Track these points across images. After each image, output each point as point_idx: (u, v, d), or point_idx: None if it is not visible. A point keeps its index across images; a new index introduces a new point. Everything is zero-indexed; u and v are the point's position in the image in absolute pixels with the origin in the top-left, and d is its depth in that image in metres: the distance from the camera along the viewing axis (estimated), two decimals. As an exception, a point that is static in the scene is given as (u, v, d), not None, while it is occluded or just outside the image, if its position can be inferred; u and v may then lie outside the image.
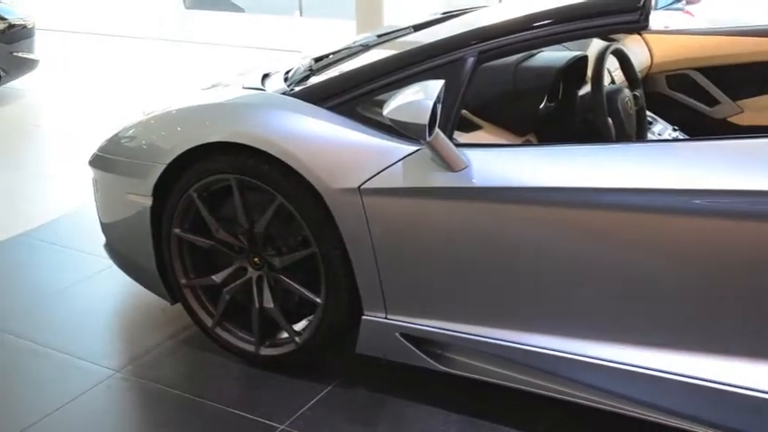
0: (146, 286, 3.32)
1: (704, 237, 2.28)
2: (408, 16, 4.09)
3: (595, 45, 3.48)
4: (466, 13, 3.68)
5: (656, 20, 4.58)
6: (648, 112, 3.48)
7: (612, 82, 3.18)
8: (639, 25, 2.50)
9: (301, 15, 12.36)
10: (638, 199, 2.31)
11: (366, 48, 3.36)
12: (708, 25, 4.84)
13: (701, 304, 2.35)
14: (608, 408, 2.51)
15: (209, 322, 3.11)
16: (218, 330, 3.10)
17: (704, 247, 2.29)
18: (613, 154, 2.48)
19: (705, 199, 2.24)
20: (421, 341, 2.74)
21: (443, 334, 2.69)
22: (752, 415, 2.31)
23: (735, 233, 2.24)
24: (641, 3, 2.46)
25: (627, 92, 3.06)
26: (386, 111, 2.39)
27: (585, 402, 2.54)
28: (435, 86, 2.36)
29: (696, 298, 2.35)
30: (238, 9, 13.58)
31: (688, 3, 9.40)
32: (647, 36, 4.15)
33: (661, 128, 3.49)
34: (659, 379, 2.39)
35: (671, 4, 6.18)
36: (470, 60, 2.60)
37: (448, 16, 3.86)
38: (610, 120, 2.87)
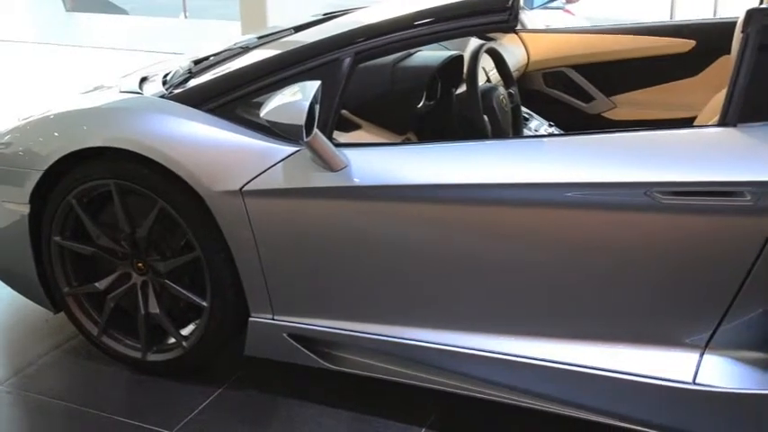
0: (27, 296, 3.24)
1: (577, 228, 2.37)
2: (292, 17, 4.10)
3: (472, 44, 3.57)
4: (347, 14, 3.71)
5: (537, 19, 4.72)
6: (525, 109, 3.58)
7: (488, 80, 3.26)
8: (508, 24, 2.57)
9: (186, 17, 12.21)
10: (514, 193, 2.38)
11: (246, 49, 3.37)
12: (586, 24, 5.01)
13: (577, 293, 2.44)
14: (492, 397, 2.58)
15: (94, 331, 3.06)
16: (104, 338, 3.06)
17: (578, 238, 2.38)
18: (489, 150, 2.56)
19: (578, 191, 2.32)
20: (309, 340, 2.77)
21: (330, 332, 2.72)
22: (622, 396, 2.42)
23: (608, 224, 2.34)
24: (510, 3, 2.53)
25: (502, 90, 3.15)
26: (263, 112, 2.40)
27: (470, 393, 2.60)
28: (312, 87, 2.39)
29: (571, 287, 2.44)
30: (122, 11, 13.33)
31: (568, 2, 9.69)
32: (523, 35, 4.27)
33: (537, 124, 3.60)
34: (537, 367, 2.47)
35: (547, 2, 6.36)
36: (347, 61, 2.63)
37: (329, 17, 3.89)
38: (485, 117, 2.95)
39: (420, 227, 2.51)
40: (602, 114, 4.14)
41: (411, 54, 3.15)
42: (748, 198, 2.13)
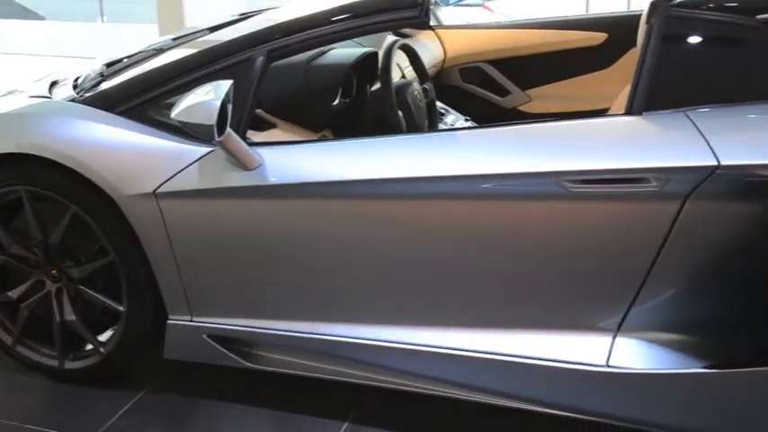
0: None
1: (493, 219, 2.40)
2: (210, 19, 4.07)
3: (388, 41, 3.58)
4: (261, 13, 3.70)
5: (455, 15, 4.77)
6: (441, 104, 3.62)
7: (403, 77, 3.28)
8: (420, 20, 2.59)
9: (104, 21, 12.01)
10: (430, 187, 2.40)
11: (160, 51, 3.33)
12: (504, 20, 5.08)
13: (493, 283, 2.48)
14: (413, 389, 2.60)
15: (8, 341, 2.99)
16: (20, 348, 2.99)
17: (493, 228, 2.42)
18: (404, 145, 2.58)
19: (492, 183, 2.35)
20: (229, 341, 2.75)
21: (250, 332, 2.71)
22: (538, 381, 2.46)
23: (521, 213, 2.37)
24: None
25: (416, 85, 3.17)
26: (174, 113, 2.38)
27: (391, 386, 2.62)
28: (224, 87, 2.37)
29: (488, 277, 2.47)
30: (38, 17, 13.05)
31: (487, -1, 9.79)
32: (439, 31, 4.31)
33: (453, 118, 3.63)
34: (456, 357, 2.50)
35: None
36: (260, 60, 2.62)
37: (244, 17, 3.87)
38: (400, 113, 2.97)
39: (336, 223, 2.52)
40: (518, 108, 4.20)
41: (325, 52, 3.15)
42: (654, 184, 2.18)
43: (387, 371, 2.60)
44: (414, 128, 3.06)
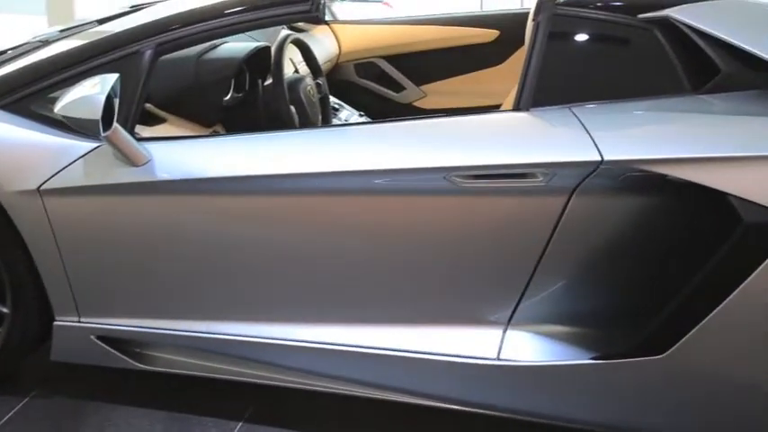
0: None
1: (385, 214, 2.41)
2: (100, 10, 3.96)
3: (280, 36, 3.56)
4: (152, 5, 3.62)
5: (352, 11, 4.77)
6: (335, 100, 3.61)
7: (297, 71, 3.27)
8: (312, 15, 2.57)
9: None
10: (321, 182, 2.39)
11: (45, 43, 3.23)
12: (403, 15, 5.10)
13: (386, 278, 2.48)
14: (306, 386, 2.60)
15: None
16: None
17: (386, 223, 2.42)
18: (295, 140, 2.55)
19: (384, 178, 2.35)
20: (119, 342, 2.69)
21: (141, 332, 2.65)
22: (431, 376, 2.48)
23: (413, 209, 2.39)
24: None
25: (309, 80, 3.16)
26: (57, 107, 2.31)
27: (285, 384, 2.61)
28: (110, 80, 2.31)
29: (380, 273, 2.48)
30: None
31: (385, -7, 9.81)
32: (334, 26, 4.31)
33: (348, 114, 3.64)
34: (349, 353, 2.50)
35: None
36: (148, 53, 2.57)
37: (135, 9, 3.78)
38: (293, 108, 2.95)
39: (227, 220, 2.49)
40: (413, 104, 4.23)
41: (217, 46, 3.11)
42: (540, 179, 2.22)
43: (282, 369, 2.59)
44: (306, 123, 3.05)
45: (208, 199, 2.48)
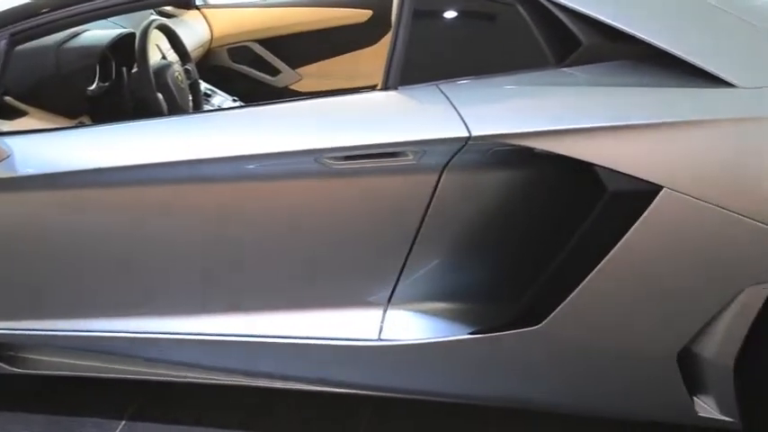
0: None
1: (260, 200, 2.37)
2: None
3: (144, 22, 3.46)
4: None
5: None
6: (207, 85, 3.54)
7: (164, 58, 3.17)
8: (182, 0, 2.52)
9: None
10: (192, 170, 2.32)
11: None
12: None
13: (266, 264, 2.44)
14: (191, 379, 2.56)
15: None
16: None
17: (262, 209, 2.38)
18: (164, 128, 2.48)
19: (256, 163, 2.30)
20: (-12, 346, 2.58)
21: (12, 335, 2.56)
22: (315, 360, 2.47)
23: (287, 193, 2.34)
24: None
25: (177, 66, 3.08)
26: None
27: (167, 378, 2.56)
28: None
29: (261, 259, 2.44)
30: None
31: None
32: (205, 11, 4.21)
33: (221, 100, 3.56)
34: (233, 343, 2.46)
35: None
36: (1, 44, 2.45)
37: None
38: (161, 95, 2.87)
39: (95, 214, 2.41)
40: (290, 87, 4.18)
41: (79, 34, 3.00)
42: (411, 158, 2.22)
43: (163, 364, 2.54)
44: (176, 110, 2.96)
45: (73, 193, 2.39)
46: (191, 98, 3.16)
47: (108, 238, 2.43)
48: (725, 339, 2.11)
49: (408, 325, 2.41)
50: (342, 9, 4.15)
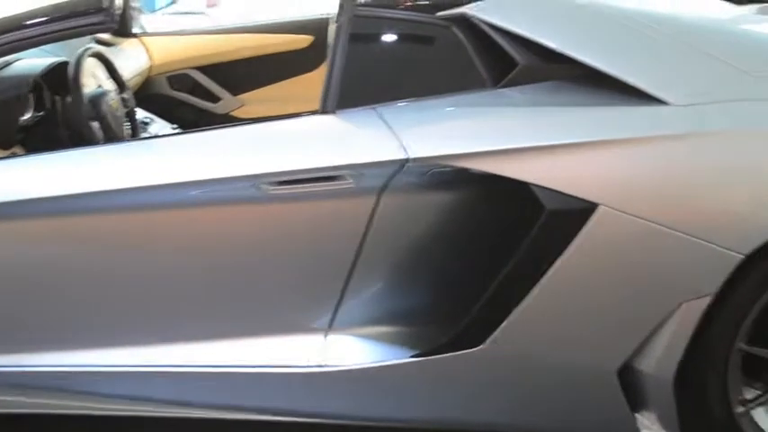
0: None
1: (198, 227, 2.34)
2: None
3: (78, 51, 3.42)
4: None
5: (168, 23, 4.63)
6: (146, 113, 3.50)
7: (100, 86, 3.13)
8: (108, 26, 2.52)
9: None
10: (127, 198, 2.29)
11: None
12: (215, 25, 5.02)
13: (206, 294, 2.41)
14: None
15: None
16: None
17: (200, 237, 2.35)
18: (100, 156, 2.46)
19: (193, 190, 2.27)
20: None
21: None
22: (257, 389, 2.44)
23: (226, 220, 2.33)
24: (106, 4, 2.46)
25: (113, 95, 3.03)
26: None
27: (103, 412, 2.50)
28: None
29: (200, 288, 2.41)
30: None
31: (209, 6, 9.66)
32: (144, 39, 4.17)
33: (159, 127, 3.52)
34: (168, 374, 2.42)
35: (169, 5, 6.30)
36: (-70, 75, 2.41)
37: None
38: (96, 124, 2.83)
39: (29, 244, 2.36)
40: (231, 113, 4.15)
41: (10, 63, 2.95)
42: (349, 181, 2.21)
43: (96, 397, 2.47)
44: (111, 139, 2.91)
45: (8, 225, 2.35)
46: (128, 126, 3.11)
47: (41, 269, 2.38)
48: (664, 354, 2.13)
49: (350, 350, 2.39)
50: (283, 35, 4.15)
